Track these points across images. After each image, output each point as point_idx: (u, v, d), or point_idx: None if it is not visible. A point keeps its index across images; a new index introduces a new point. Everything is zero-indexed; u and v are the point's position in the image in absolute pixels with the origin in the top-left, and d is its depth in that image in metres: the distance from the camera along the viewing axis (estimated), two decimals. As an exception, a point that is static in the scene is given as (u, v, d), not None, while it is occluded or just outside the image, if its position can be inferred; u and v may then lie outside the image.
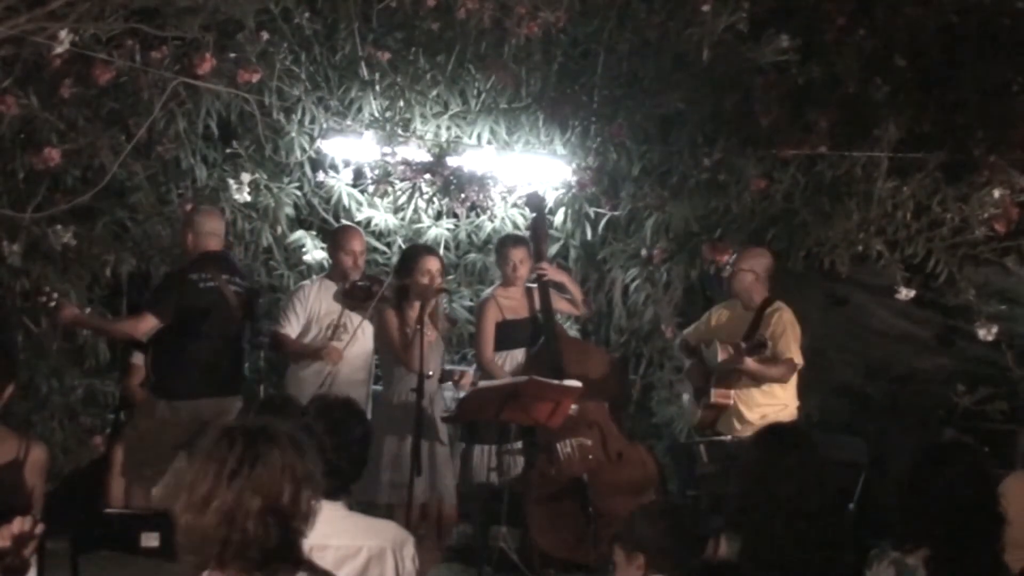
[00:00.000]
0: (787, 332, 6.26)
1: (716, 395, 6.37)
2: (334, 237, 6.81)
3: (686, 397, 7.27)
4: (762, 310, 6.39)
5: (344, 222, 7.34)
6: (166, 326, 6.06)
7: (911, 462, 3.38)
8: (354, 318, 6.44)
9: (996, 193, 7.05)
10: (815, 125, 7.17)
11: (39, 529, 2.58)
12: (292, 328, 6.52)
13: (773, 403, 6.31)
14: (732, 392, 6.36)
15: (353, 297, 6.44)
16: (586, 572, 6.44)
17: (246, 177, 7.20)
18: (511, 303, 6.74)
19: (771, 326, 6.29)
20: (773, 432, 3.71)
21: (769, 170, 7.28)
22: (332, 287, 6.56)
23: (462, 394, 6.31)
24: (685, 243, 7.50)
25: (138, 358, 6.71)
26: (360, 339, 6.46)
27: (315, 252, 7.50)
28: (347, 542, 3.37)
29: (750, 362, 6.13)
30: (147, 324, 6.08)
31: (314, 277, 6.94)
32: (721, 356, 6.36)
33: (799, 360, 6.29)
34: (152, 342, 6.18)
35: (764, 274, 6.47)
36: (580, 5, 7.27)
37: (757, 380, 6.27)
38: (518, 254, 6.71)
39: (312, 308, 6.52)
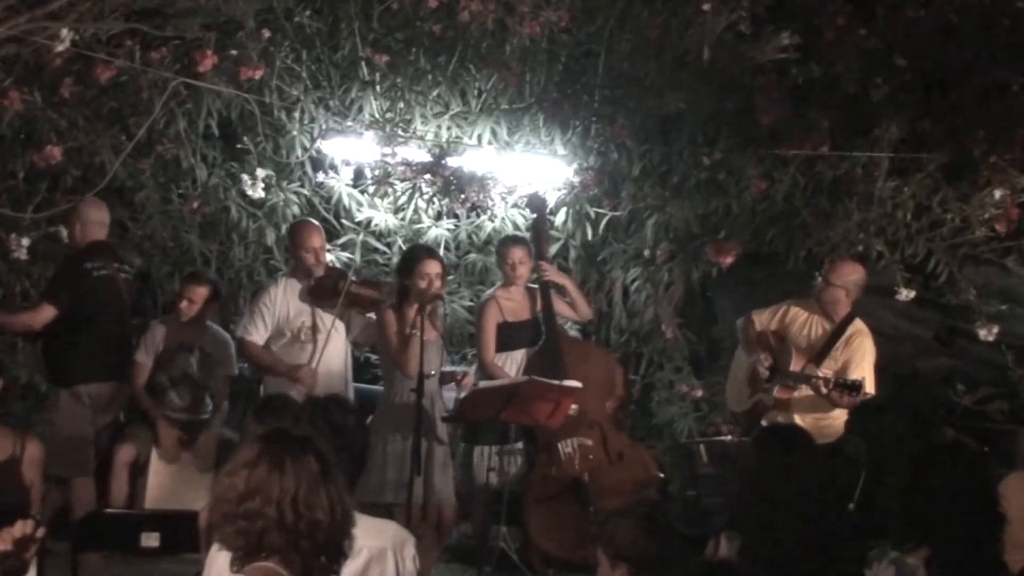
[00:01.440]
0: (866, 360, 6.15)
1: (779, 392, 6.25)
2: (292, 234, 6.68)
3: (684, 388, 7.24)
4: (843, 327, 6.26)
5: (346, 222, 7.34)
6: (58, 315, 6.10)
7: (911, 462, 3.38)
8: (325, 317, 6.39)
9: (997, 194, 7.04)
10: (817, 124, 7.15)
11: (40, 532, 2.58)
12: (259, 335, 6.39)
13: (828, 415, 6.22)
14: (793, 395, 6.24)
15: (319, 296, 6.38)
16: (586, 572, 6.43)
17: (261, 173, 7.19)
18: (512, 304, 6.73)
19: (851, 350, 6.18)
20: (773, 433, 3.72)
21: (769, 170, 7.27)
22: (297, 286, 6.43)
23: (463, 394, 6.30)
24: (686, 244, 7.49)
25: (141, 357, 6.71)
26: (334, 337, 6.40)
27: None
28: (347, 542, 3.37)
29: (834, 396, 6.00)
30: (46, 314, 6.10)
31: (278, 276, 6.82)
32: (795, 364, 6.23)
33: (872, 391, 6.12)
34: (44, 332, 6.21)
35: (855, 290, 6.33)
36: (582, 4, 7.27)
37: (827, 405, 6.15)
38: (517, 253, 6.69)
39: (279, 311, 6.39)
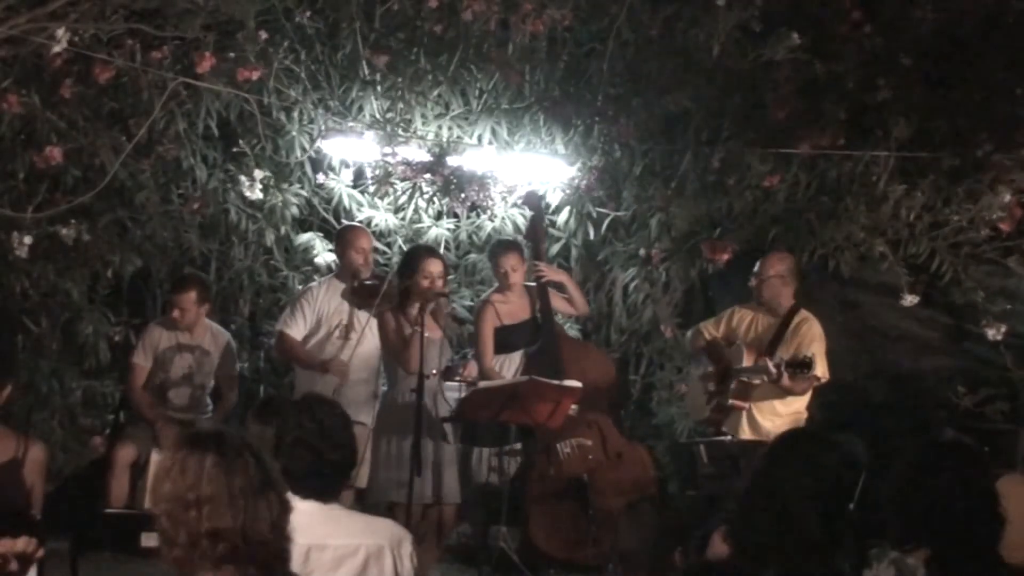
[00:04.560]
0: (815, 344, 6.19)
1: (733, 398, 6.29)
2: (343, 236, 6.81)
3: (684, 388, 7.26)
4: (789, 317, 6.31)
5: (345, 222, 7.35)
6: None
7: (909, 462, 3.37)
8: (362, 316, 6.48)
9: (1007, 196, 7.00)
10: (831, 120, 7.10)
11: (40, 554, 2.61)
12: (299, 330, 6.55)
13: (790, 412, 6.26)
14: (750, 398, 6.29)
15: (360, 295, 6.45)
16: (586, 572, 6.43)
17: (259, 173, 7.20)
18: (508, 307, 6.72)
19: (799, 336, 6.23)
20: (795, 439, 3.65)
21: (772, 169, 7.24)
22: (340, 287, 6.60)
23: (464, 394, 6.30)
24: (684, 243, 7.47)
25: (138, 358, 6.72)
26: (368, 337, 6.47)
27: (325, 255, 7.50)
28: (345, 541, 3.38)
29: (786, 378, 6.04)
30: None
31: (320, 277, 6.92)
32: (747, 361, 6.27)
33: (824, 376, 6.21)
34: None
35: (790, 277, 6.40)
36: (586, 2, 7.25)
37: (782, 393, 6.20)
38: (510, 261, 6.66)
39: (321, 308, 6.57)
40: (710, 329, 6.56)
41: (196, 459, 2.52)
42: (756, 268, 6.48)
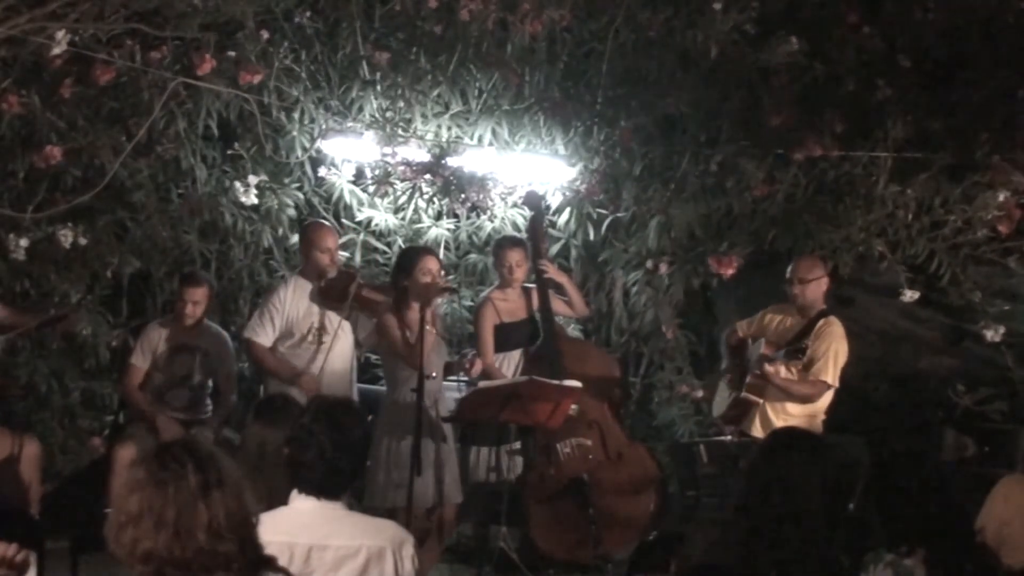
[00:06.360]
0: (829, 349, 6.15)
1: (748, 389, 6.28)
2: (306, 235, 6.67)
3: (684, 388, 7.29)
4: (814, 320, 6.30)
5: (346, 221, 7.34)
6: None
7: (864, 481, 3.41)
8: (333, 318, 6.42)
9: (1001, 197, 7.00)
10: (829, 126, 7.11)
11: (28, 564, 2.63)
12: (267, 337, 6.43)
13: (803, 414, 6.23)
14: (764, 395, 6.27)
15: (329, 297, 6.40)
16: (586, 572, 6.44)
17: (253, 179, 7.17)
18: (508, 305, 6.73)
19: (817, 338, 6.20)
20: (786, 435, 3.68)
21: (771, 171, 7.25)
22: (307, 286, 6.47)
23: (463, 395, 6.30)
24: (688, 250, 7.47)
25: (136, 359, 6.72)
26: (341, 338, 6.44)
27: (322, 254, 7.49)
28: (346, 542, 3.39)
29: (770, 370, 6.05)
30: None
31: (286, 277, 6.83)
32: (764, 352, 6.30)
33: (833, 381, 6.17)
34: None
35: (827, 279, 6.44)
36: (584, 3, 7.25)
37: (783, 393, 6.18)
38: (514, 256, 6.67)
39: (289, 313, 6.43)
40: (743, 327, 6.57)
41: (134, 478, 2.54)
42: (790, 273, 6.40)
